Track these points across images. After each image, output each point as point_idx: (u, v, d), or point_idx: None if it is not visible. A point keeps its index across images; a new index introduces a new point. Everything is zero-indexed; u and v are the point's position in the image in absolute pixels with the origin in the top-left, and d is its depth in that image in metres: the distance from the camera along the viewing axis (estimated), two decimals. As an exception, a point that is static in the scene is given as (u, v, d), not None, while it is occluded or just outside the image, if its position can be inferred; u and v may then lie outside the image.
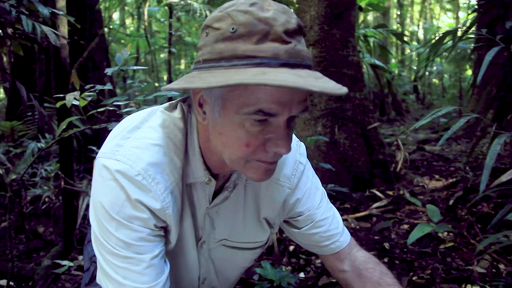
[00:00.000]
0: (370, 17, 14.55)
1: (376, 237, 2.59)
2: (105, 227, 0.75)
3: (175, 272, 0.94)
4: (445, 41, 2.11)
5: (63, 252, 3.14)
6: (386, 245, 2.44)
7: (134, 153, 0.75)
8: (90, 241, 1.07)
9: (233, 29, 0.65)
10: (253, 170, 0.74)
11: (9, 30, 3.09)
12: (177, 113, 0.82)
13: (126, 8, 12.65)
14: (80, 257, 3.12)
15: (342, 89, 0.64)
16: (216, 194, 0.89)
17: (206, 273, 1.00)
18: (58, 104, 2.13)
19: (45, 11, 2.74)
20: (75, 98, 1.87)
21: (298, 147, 0.98)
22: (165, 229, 0.84)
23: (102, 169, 0.75)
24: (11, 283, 2.64)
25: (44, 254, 3.25)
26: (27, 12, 2.76)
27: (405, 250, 2.37)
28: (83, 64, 5.72)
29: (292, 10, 4.22)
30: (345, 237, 1.04)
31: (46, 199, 4.43)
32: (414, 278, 2.06)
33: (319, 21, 3.33)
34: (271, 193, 0.94)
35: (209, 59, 0.67)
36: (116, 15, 13.09)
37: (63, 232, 3.32)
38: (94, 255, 1.05)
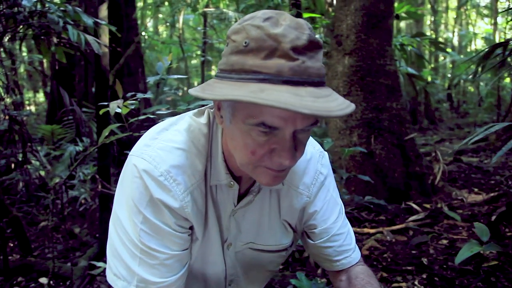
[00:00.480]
0: (403, 24, 14.27)
1: (413, 252, 2.52)
2: (132, 218, 0.80)
3: (203, 270, 0.98)
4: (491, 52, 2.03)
5: (99, 253, 3.23)
6: (424, 260, 2.36)
7: (159, 155, 0.80)
8: None
9: (245, 43, 0.67)
10: (262, 175, 0.77)
11: (55, 39, 3.24)
12: (203, 119, 0.87)
13: (160, 16, 12.98)
14: (115, 260, 3.19)
15: (344, 110, 0.64)
16: (242, 197, 0.92)
17: (234, 275, 1.02)
18: (101, 112, 2.20)
19: (89, 21, 2.85)
20: (118, 106, 1.93)
21: (320, 157, 0.97)
22: (191, 228, 0.87)
23: (132, 166, 0.81)
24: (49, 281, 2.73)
25: (80, 254, 3.35)
26: (72, 22, 2.88)
27: (444, 266, 2.29)
28: (119, 70, 5.91)
29: (314, 21, 4.17)
30: (356, 254, 1.03)
31: (83, 201, 4.58)
32: (455, 297, 1.99)
33: (355, 30, 3.29)
34: (290, 199, 0.95)
35: (223, 69, 0.71)
36: (149, 23, 13.46)
37: (98, 234, 3.42)
38: None
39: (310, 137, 0.97)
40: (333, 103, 0.65)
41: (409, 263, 2.38)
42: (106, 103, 1.97)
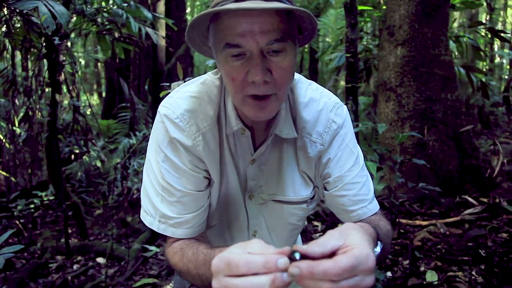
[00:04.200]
0: (456, 24, 13.67)
1: (469, 244, 2.43)
2: (155, 157, 0.93)
3: (227, 220, 1.07)
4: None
5: (151, 238, 3.39)
6: (482, 252, 2.27)
7: (177, 102, 0.92)
8: None
9: None
10: (249, 107, 0.83)
11: (116, 34, 3.46)
12: (218, 75, 0.97)
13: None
14: (167, 244, 3.34)
15: (270, 5, 0.71)
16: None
17: (257, 226, 1.07)
18: (162, 94, 2.32)
19: (149, 15, 3.03)
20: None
21: (335, 108, 0.99)
22: (208, 172, 0.96)
23: (158, 114, 0.94)
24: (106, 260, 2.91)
25: (133, 240, 3.53)
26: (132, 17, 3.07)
27: (505, 259, 2.18)
28: (170, 68, 6.17)
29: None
30: (373, 206, 1.01)
31: (135, 191, 4.81)
32: (518, 287, 1.90)
33: (409, 20, 3.22)
34: (305, 148, 0.98)
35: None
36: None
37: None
38: (182, 283, 1.21)
39: (328, 91, 1.02)
40: (270, 5, 0.72)
41: (465, 254, 2.29)
42: (168, 84, 2.08)
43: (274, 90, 0.81)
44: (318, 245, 0.53)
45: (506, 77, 13.52)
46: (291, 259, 0.51)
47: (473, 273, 2.10)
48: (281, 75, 0.80)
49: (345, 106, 1.03)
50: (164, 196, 0.93)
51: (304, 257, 0.52)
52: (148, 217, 0.96)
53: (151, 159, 0.95)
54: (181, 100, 0.93)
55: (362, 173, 1.01)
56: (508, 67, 13.59)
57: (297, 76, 1.01)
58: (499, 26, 14.39)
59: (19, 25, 3.30)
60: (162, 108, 0.93)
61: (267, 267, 0.51)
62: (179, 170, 0.92)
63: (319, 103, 0.98)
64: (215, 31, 0.81)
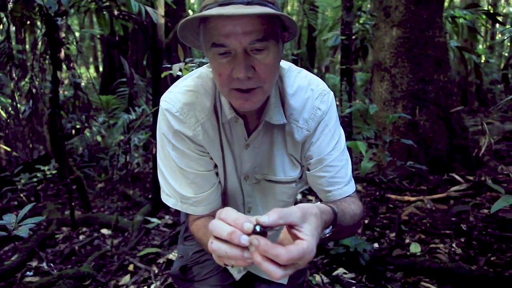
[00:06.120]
0: (457, -1, 13.45)
1: (453, 219, 2.58)
2: (165, 147, 1.02)
3: (223, 195, 1.17)
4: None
5: (152, 211, 3.54)
6: (463, 226, 2.43)
7: (176, 96, 1.01)
8: (186, 238, 1.37)
9: None
10: (235, 99, 0.90)
11: (115, 11, 3.49)
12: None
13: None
14: (167, 216, 3.50)
15: (249, 11, 0.76)
16: None
17: (251, 203, 1.18)
18: (163, 75, 2.40)
19: (148, -7, 3.07)
20: (179, 69, 2.11)
21: (321, 95, 1.05)
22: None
23: (160, 108, 1.02)
24: (111, 231, 3.07)
25: (135, 212, 3.68)
26: (131, -5, 3.09)
27: (483, 233, 2.34)
28: (168, 43, 6.16)
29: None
30: (349, 188, 1.08)
31: (135, 166, 4.94)
32: (492, 258, 2.06)
33: (405, 1, 3.26)
34: (292, 133, 1.05)
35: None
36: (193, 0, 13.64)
37: (151, 195, 3.72)
38: (185, 251, 1.32)
39: (317, 79, 1.08)
40: (250, 10, 0.78)
41: (448, 228, 2.45)
42: (169, 65, 2.16)
43: (258, 84, 0.88)
44: (280, 217, 0.63)
45: (507, 54, 13.40)
46: (254, 232, 0.61)
47: (453, 245, 2.26)
48: (264, 70, 0.87)
49: (332, 93, 1.10)
50: (180, 179, 1.04)
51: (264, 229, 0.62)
52: (171, 199, 1.07)
53: (162, 148, 1.04)
54: (179, 94, 1.02)
55: (341, 157, 1.09)
56: (508, 44, 13.46)
57: (287, 65, 1.08)
58: (502, 2, 14.19)
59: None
60: (163, 103, 1.02)
61: (234, 224, 0.62)
62: (188, 156, 1.03)
63: (306, 91, 1.04)
64: (204, 30, 0.88)
